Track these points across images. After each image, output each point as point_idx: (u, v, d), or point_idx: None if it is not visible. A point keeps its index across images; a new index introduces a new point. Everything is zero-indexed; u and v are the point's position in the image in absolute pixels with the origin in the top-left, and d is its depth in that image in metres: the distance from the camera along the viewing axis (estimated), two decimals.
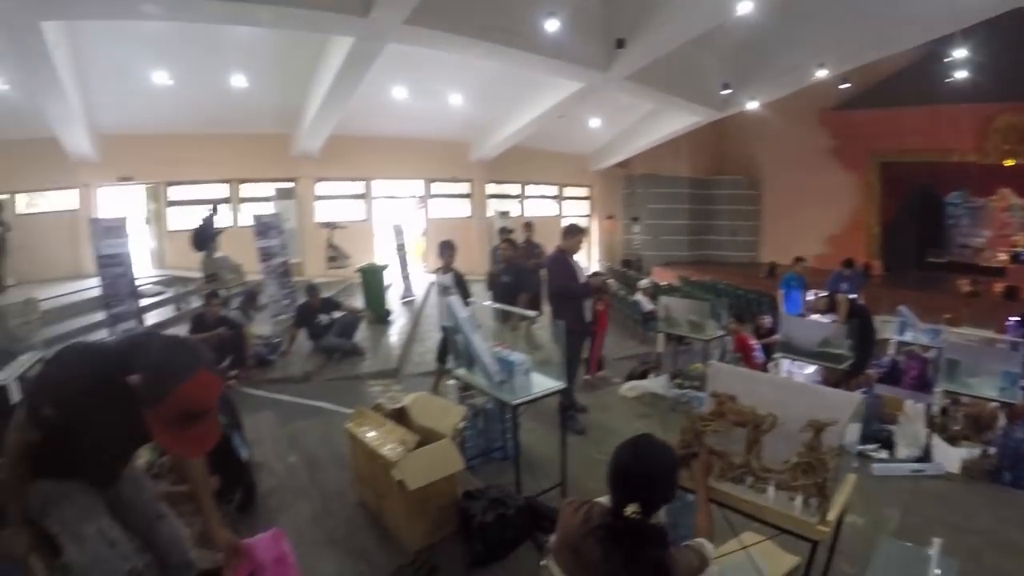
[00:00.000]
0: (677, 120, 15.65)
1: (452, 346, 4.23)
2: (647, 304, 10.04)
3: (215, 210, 10.56)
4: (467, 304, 4.74)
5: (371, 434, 3.53)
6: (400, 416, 3.72)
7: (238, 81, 11.39)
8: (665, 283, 13.92)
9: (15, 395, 3.95)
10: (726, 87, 13.24)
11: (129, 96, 11.04)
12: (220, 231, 10.54)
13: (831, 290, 8.27)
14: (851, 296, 7.85)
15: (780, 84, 13.47)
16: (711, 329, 6.58)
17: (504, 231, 10.60)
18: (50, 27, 8.03)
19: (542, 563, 2.05)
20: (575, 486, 3.94)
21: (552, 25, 9.17)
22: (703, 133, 17.60)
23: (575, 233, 5.68)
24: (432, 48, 9.82)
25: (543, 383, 3.84)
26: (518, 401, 3.64)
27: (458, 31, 9.05)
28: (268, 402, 6.33)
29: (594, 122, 16.44)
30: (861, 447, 4.95)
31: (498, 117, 14.72)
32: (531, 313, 6.34)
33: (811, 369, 6.59)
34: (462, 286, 6.39)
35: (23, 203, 12.23)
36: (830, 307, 7.26)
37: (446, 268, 6.62)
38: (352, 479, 3.95)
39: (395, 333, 9.60)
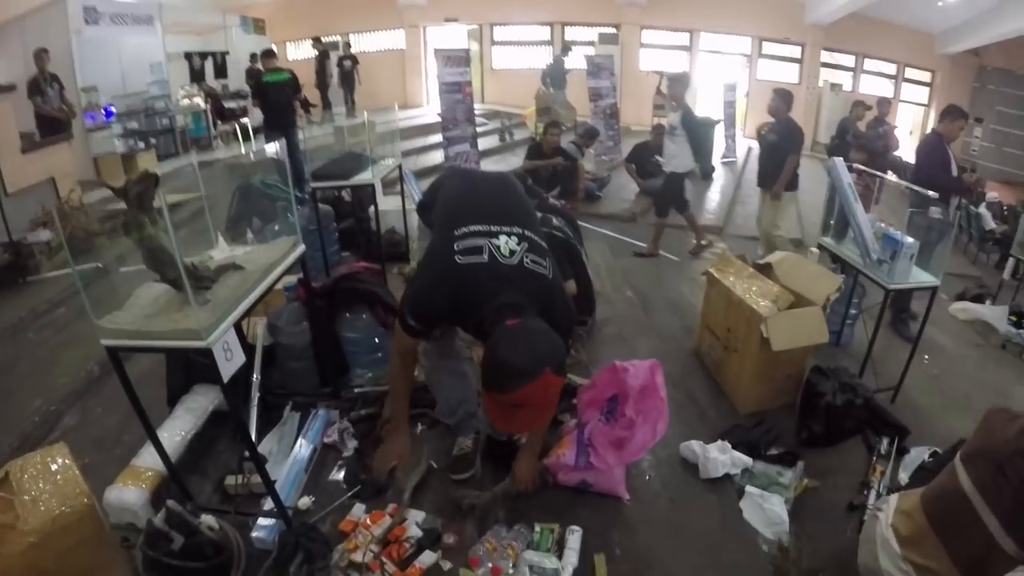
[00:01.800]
0: None
1: (829, 210, 3.82)
2: (990, 221, 8.28)
3: (567, 50, 10.78)
4: None
5: (740, 284, 3.40)
6: (764, 271, 3.52)
7: None
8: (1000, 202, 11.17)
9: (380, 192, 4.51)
10: None
11: None
12: (569, 71, 10.93)
13: None
14: None
15: None
16: None
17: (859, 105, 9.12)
18: None
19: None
20: (907, 397, 3.55)
21: None
22: None
23: (957, 116, 4.74)
24: None
25: (918, 275, 3.34)
26: (895, 286, 3.23)
27: None
28: (596, 235, 6.52)
29: None
30: None
31: None
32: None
33: None
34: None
35: (355, 43, 14.07)
36: None
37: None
38: (691, 326, 3.91)
39: (717, 191, 9.28)
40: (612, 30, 13.85)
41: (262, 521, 2.09)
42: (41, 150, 6.56)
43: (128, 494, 2.16)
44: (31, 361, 3.80)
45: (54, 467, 1.73)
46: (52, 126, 7.15)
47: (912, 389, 3.61)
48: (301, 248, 2.30)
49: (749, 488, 2.61)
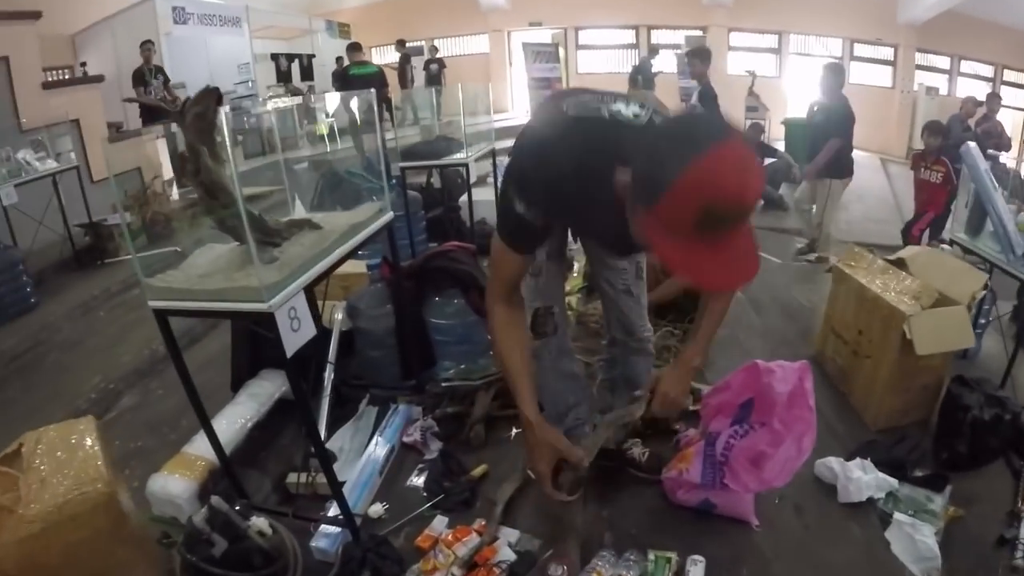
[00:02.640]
0: None
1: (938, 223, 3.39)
2: None
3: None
4: None
5: (874, 280, 3.00)
6: (898, 268, 3.10)
7: None
8: None
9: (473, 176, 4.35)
10: None
11: None
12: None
13: None
14: None
15: None
16: None
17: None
18: None
19: None
20: None
21: None
22: None
23: None
24: None
25: None
26: None
27: None
28: None
29: None
30: None
31: None
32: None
33: None
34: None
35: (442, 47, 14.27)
36: None
37: None
38: (807, 330, 3.58)
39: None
40: (699, 32, 13.54)
41: (325, 528, 1.85)
42: (127, 140, 6.64)
43: (173, 484, 1.92)
44: (99, 338, 3.76)
45: (74, 442, 1.46)
46: (155, 117, 7.30)
47: None
48: (389, 215, 2.03)
49: (898, 515, 2.23)
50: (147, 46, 7.41)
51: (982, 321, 3.60)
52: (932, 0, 12.55)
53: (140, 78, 7.31)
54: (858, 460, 2.37)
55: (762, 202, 7.58)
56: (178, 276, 1.61)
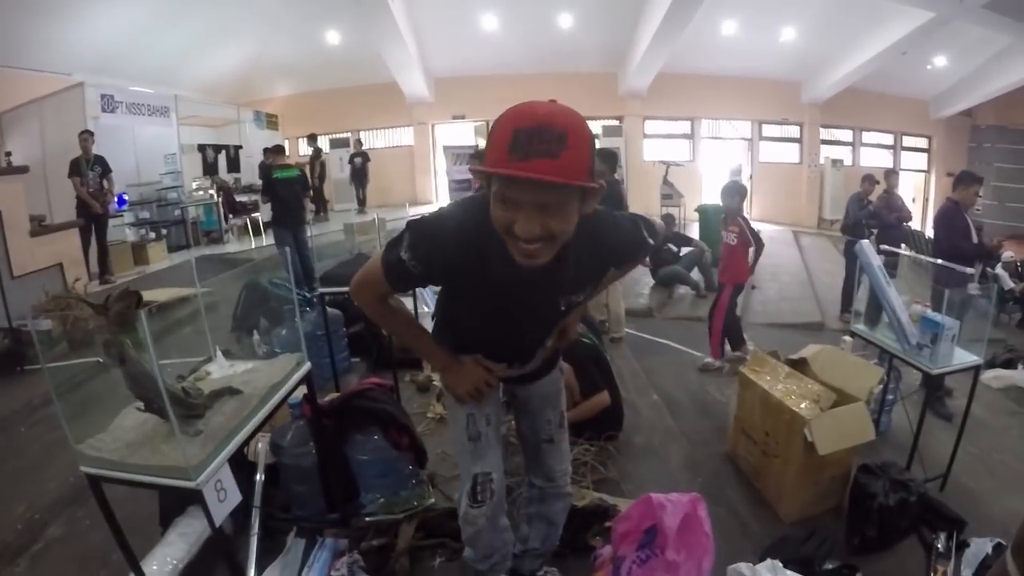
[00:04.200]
0: None
1: (846, 296, 3.66)
2: (1008, 281, 8.17)
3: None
4: None
5: (776, 384, 3.19)
6: (799, 368, 3.32)
7: (564, 21, 11.76)
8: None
9: None
10: None
11: (460, 41, 12.27)
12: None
13: None
14: None
15: None
16: None
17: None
18: None
19: None
20: (956, 482, 3.31)
21: None
22: None
23: (971, 182, 4.78)
24: None
25: (960, 355, 3.17)
26: (939, 371, 3.07)
27: None
28: None
29: (938, 60, 13.42)
30: None
31: (833, 54, 12.91)
32: None
33: None
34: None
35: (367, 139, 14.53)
36: None
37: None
38: (723, 426, 3.71)
39: None
40: (615, 122, 14.14)
41: None
42: (51, 234, 6.54)
43: None
44: (21, 460, 3.62)
45: None
46: (87, 210, 7.31)
47: (959, 473, 3.38)
48: (306, 367, 2.13)
49: None
50: (85, 136, 7.35)
51: (890, 398, 3.85)
52: (833, 79, 13.53)
53: (76, 168, 7.23)
54: (768, 562, 2.41)
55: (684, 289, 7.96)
56: (107, 441, 1.66)
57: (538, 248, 1.27)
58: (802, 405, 2.95)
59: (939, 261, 4.28)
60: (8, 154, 8.19)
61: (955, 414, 4.25)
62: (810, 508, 3.04)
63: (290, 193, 6.99)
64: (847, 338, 4.12)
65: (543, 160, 1.16)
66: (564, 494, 2.15)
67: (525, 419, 2.04)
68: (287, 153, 7.97)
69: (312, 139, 13.07)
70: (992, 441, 4.04)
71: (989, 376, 5.29)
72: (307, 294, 4.71)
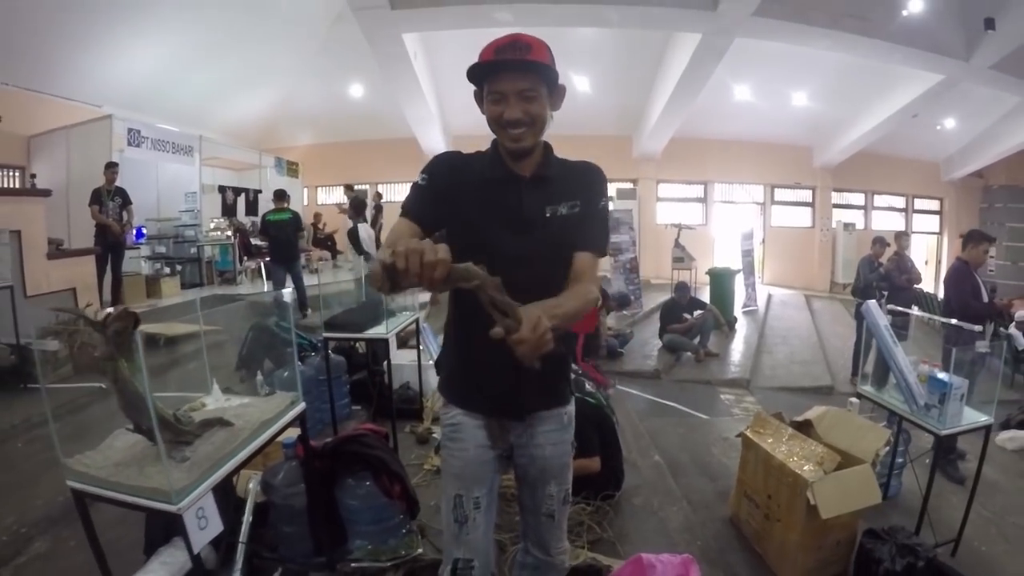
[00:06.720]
0: None
1: (857, 359, 3.61)
2: (1022, 340, 8.02)
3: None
4: None
5: (779, 446, 3.14)
6: (803, 430, 3.26)
7: (581, 84, 11.88)
8: None
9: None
10: None
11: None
12: None
13: None
14: None
15: None
16: None
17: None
18: (409, 39, 9.54)
19: None
20: (968, 547, 3.22)
21: (915, 5, 8.57)
22: None
23: (980, 240, 4.81)
24: (780, 41, 9.53)
25: (969, 415, 3.12)
26: (948, 431, 3.00)
27: (809, 21, 8.80)
28: (621, 395, 6.24)
29: (948, 122, 13.59)
30: None
31: (844, 118, 13.14)
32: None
33: None
34: None
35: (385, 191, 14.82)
36: None
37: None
38: (725, 489, 3.64)
39: (741, 341, 9.12)
40: (629, 185, 14.20)
41: None
42: (68, 259, 6.60)
43: None
44: (13, 474, 3.61)
45: None
46: (106, 238, 7.42)
47: (972, 537, 3.29)
48: (301, 406, 2.12)
49: None
50: (112, 168, 7.52)
51: (899, 460, 3.77)
52: (844, 144, 13.69)
53: (97, 197, 7.37)
54: None
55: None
56: (96, 459, 1.65)
57: (522, 132, 1.61)
58: (805, 467, 2.89)
59: (950, 320, 4.29)
60: (33, 176, 8.43)
61: (967, 477, 4.18)
62: (814, 574, 2.95)
63: (281, 233, 7.77)
64: (854, 400, 4.06)
65: (516, 58, 1.56)
66: (560, 567, 2.03)
67: (525, 488, 1.91)
68: (289, 199, 8.31)
69: (349, 188, 13.14)
70: (1006, 503, 3.94)
71: (1004, 437, 5.22)
72: (313, 339, 4.70)
